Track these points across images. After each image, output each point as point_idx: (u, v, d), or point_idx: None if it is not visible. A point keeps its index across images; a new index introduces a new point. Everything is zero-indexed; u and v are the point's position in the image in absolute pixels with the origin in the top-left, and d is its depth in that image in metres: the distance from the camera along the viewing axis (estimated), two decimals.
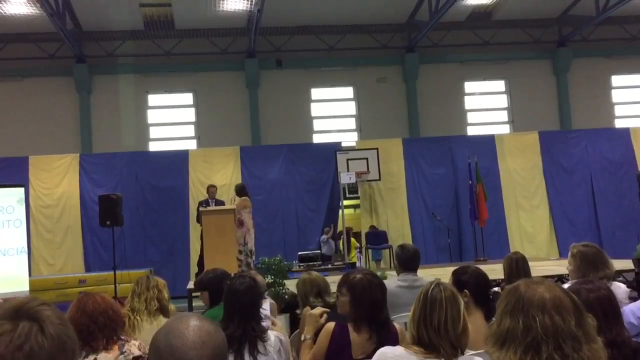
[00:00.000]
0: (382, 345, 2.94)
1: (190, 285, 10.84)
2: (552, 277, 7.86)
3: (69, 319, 3.07)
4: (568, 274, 4.88)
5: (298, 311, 5.37)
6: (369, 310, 3.52)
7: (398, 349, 2.78)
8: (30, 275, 10.47)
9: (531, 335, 1.82)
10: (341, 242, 15.60)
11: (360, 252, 13.83)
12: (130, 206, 13.61)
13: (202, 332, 1.46)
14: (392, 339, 3.41)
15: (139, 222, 15.11)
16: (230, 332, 3.46)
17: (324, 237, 15.65)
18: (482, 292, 3.97)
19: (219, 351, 1.48)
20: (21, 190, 9.30)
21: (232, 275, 4.45)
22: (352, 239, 16.56)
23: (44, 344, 1.20)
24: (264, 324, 5.05)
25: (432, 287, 2.82)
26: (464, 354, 2.74)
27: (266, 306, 5.24)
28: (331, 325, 3.61)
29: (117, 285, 10.42)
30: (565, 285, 2.79)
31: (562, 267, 9.14)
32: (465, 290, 3.85)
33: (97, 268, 14.35)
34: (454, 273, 4.19)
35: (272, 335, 3.64)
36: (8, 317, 1.22)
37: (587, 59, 19.37)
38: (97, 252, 14.94)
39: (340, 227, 15.65)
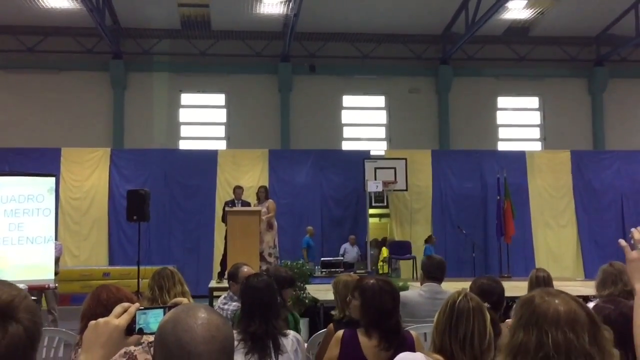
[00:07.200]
0: (396, 353, 2.90)
1: (212, 284, 10.91)
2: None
3: (86, 311, 3.12)
4: (594, 295, 4.81)
5: (333, 312, 5.24)
6: (377, 316, 3.48)
7: (418, 356, 2.73)
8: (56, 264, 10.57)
9: (543, 352, 1.78)
10: (369, 249, 15.37)
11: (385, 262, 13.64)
12: (157, 202, 13.65)
13: (211, 325, 1.45)
14: (407, 346, 3.37)
15: (165, 218, 15.25)
16: (253, 330, 3.54)
17: (347, 244, 15.57)
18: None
19: (227, 344, 1.47)
20: (52, 179, 9.37)
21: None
22: (384, 248, 16.22)
23: (23, 340, 1.44)
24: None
25: (459, 297, 2.74)
26: None
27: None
28: (340, 332, 3.60)
29: (140, 279, 10.49)
30: (590, 305, 2.73)
31: (588, 288, 9.00)
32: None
33: (121, 262, 14.50)
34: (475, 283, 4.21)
35: (290, 334, 3.68)
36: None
37: (624, 79, 19.08)
38: (122, 246, 15.10)
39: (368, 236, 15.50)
